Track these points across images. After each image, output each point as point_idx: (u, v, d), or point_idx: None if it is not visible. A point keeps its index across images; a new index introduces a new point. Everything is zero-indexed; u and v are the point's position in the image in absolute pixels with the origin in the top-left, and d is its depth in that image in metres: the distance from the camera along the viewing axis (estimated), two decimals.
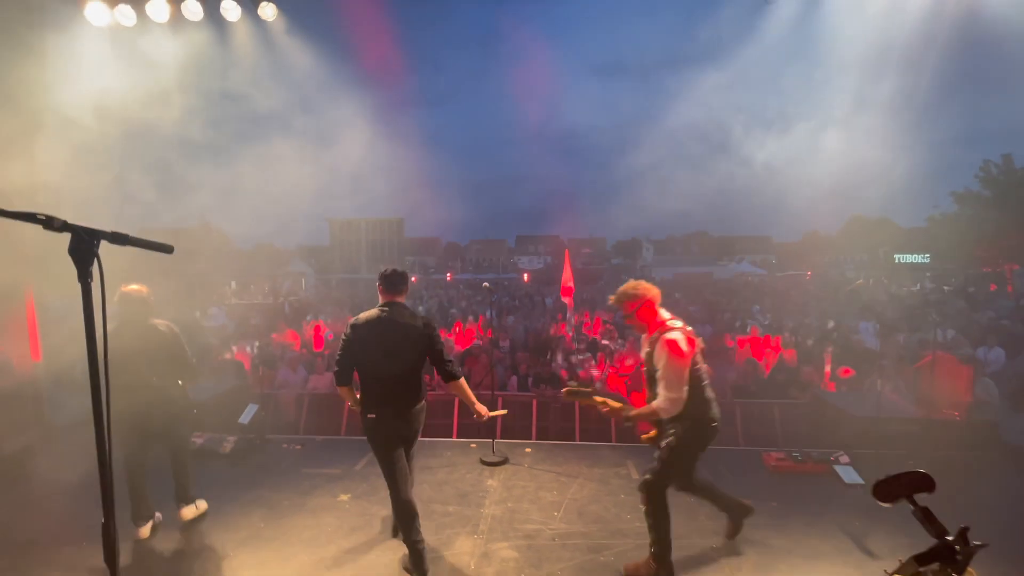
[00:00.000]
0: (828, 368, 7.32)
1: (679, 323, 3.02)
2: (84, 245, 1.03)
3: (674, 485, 3.19)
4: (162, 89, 6.39)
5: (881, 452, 4.74)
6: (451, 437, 5.77)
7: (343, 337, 3.11)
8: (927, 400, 5.29)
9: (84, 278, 1.05)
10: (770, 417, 6.30)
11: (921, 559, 1.17)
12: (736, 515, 3.43)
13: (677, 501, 4.00)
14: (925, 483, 1.46)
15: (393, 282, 3.17)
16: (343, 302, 18.71)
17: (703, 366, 3.05)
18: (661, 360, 2.88)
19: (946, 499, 1.53)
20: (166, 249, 1.17)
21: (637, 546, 3.43)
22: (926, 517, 1.37)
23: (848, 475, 4.35)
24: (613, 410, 3.13)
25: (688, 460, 3.16)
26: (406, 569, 3.10)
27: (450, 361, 3.20)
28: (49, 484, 4.52)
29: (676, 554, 3.29)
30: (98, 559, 3.12)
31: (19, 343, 5.56)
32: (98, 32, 5.93)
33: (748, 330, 11.03)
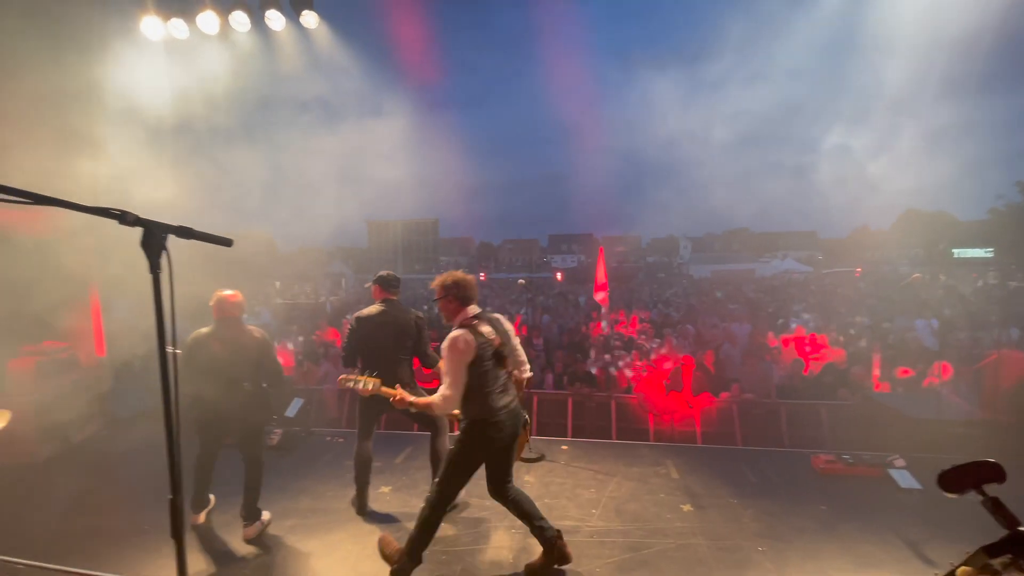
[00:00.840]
0: (877, 369, 6.98)
1: (481, 321, 2.85)
2: (154, 239, 1.10)
3: (490, 490, 3.00)
4: (211, 97, 6.70)
5: (940, 456, 4.47)
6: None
7: (350, 328, 3.74)
8: (991, 402, 4.97)
9: (155, 270, 1.12)
10: (817, 418, 6.06)
11: (991, 550, 1.09)
12: (547, 548, 3.03)
13: (721, 503, 3.93)
14: (994, 473, 1.37)
15: (389, 283, 3.85)
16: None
17: (498, 370, 2.84)
18: (443, 356, 2.77)
19: (1013, 500, 1.43)
20: (225, 242, 1.23)
21: (678, 546, 3.37)
22: (996, 507, 1.29)
23: (904, 479, 4.13)
24: (401, 399, 2.93)
25: (468, 463, 2.91)
26: (352, 504, 3.87)
27: (430, 355, 3.84)
28: (113, 471, 4.82)
29: (723, 558, 3.22)
30: (161, 537, 3.32)
31: (85, 339, 5.94)
32: (154, 46, 6.27)
33: (792, 329, 10.66)
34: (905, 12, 5.82)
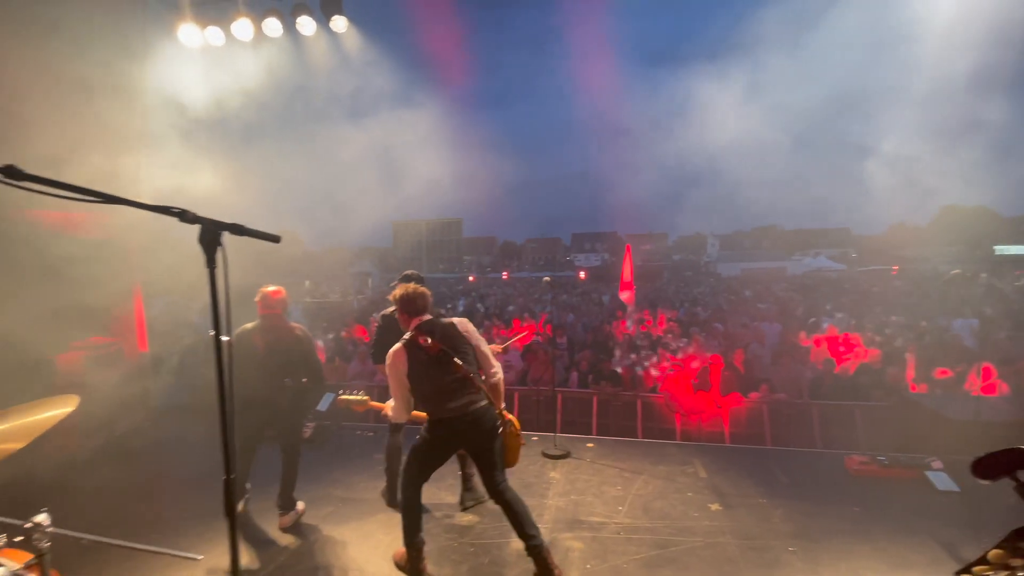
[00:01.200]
0: (911, 370, 6.76)
1: (420, 332, 2.96)
2: (211, 235, 1.18)
3: (486, 489, 3.06)
4: (244, 101, 6.92)
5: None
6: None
7: (376, 326, 3.87)
8: None
9: (211, 264, 1.19)
10: (851, 420, 5.92)
11: (1009, 546, 1.06)
12: (534, 560, 2.99)
13: (750, 503, 3.90)
14: None
15: (413, 282, 3.82)
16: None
17: (443, 374, 2.91)
18: None
19: None
20: (273, 239, 1.30)
21: (707, 544, 3.35)
22: None
23: (942, 482, 4.02)
24: (381, 409, 3.40)
25: (425, 456, 3.02)
26: (382, 494, 4.01)
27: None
28: (156, 461, 5.05)
29: (752, 558, 3.20)
30: (203, 522, 3.47)
31: (129, 335, 6.22)
32: (190, 53, 6.51)
33: (824, 328, 10.40)
34: (943, 1, 5.62)
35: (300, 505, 3.75)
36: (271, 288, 3.58)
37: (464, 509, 3.86)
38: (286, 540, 3.49)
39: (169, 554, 1.43)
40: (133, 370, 6.12)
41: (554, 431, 5.17)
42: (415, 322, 3.02)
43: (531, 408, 6.24)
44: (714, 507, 3.84)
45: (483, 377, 3.05)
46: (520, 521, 2.93)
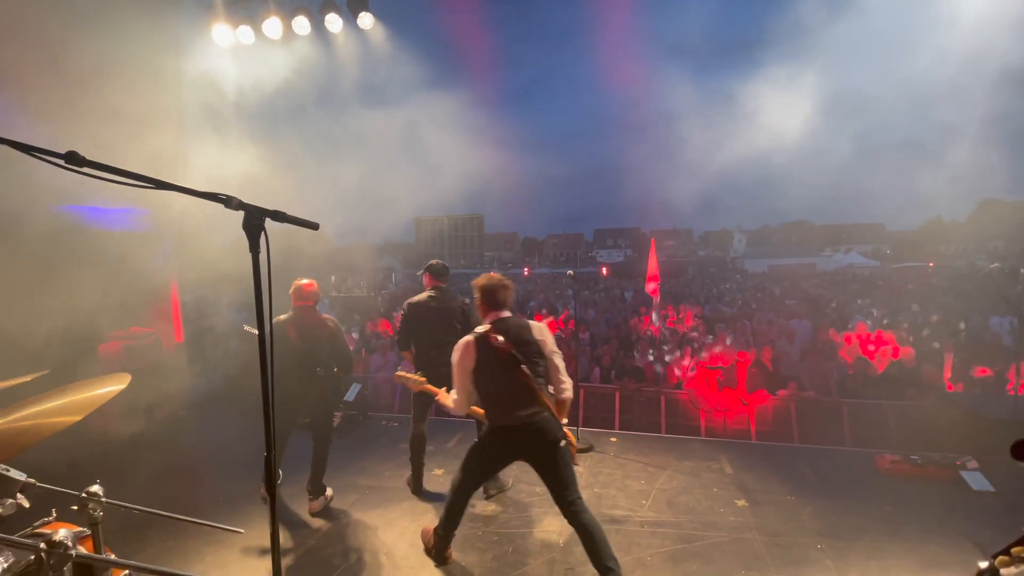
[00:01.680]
0: (948, 369, 6.55)
1: (495, 328, 2.79)
2: (254, 221, 1.23)
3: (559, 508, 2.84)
4: (273, 99, 7.08)
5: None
6: None
7: (403, 314, 4.05)
8: None
9: (254, 249, 1.25)
10: (883, 418, 5.77)
11: None
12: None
13: (777, 500, 3.85)
14: None
15: (438, 271, 4.08)
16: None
17: (510, 379, 2.75)
18: None
19: None
20: (312, 226, 1.35)
21: (733, 540, 3.33)
22: None
23: (977, 482, 3.90)
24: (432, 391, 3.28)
25: (480, 460, 2.95)
26: (407, 484, 4.07)
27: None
28: (192, 446, 5.25)
29: (779, 554, 3.16)
30: (238, 505, 3.60)
31: (166, 325, 6.46)
32: (221, 51, 6.68)
33: (855, 325, 10.14)
34: None
35: (329, 491, 3.85)
36: (304, 281, 3.69)
37: (488, 498, 3.90)
38: (316, 524, 3.60)
39: (212, 526, 1.49)
40: (170, 359, 6.36)
41: (576, 425, 5.19)
42: (492, 316, 2.87)
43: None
44: (740, 503, 3.81)
45: (551, 390, 2.89)
46: (597, 548, 2.64)
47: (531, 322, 2.97)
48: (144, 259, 6.13)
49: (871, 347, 8.04)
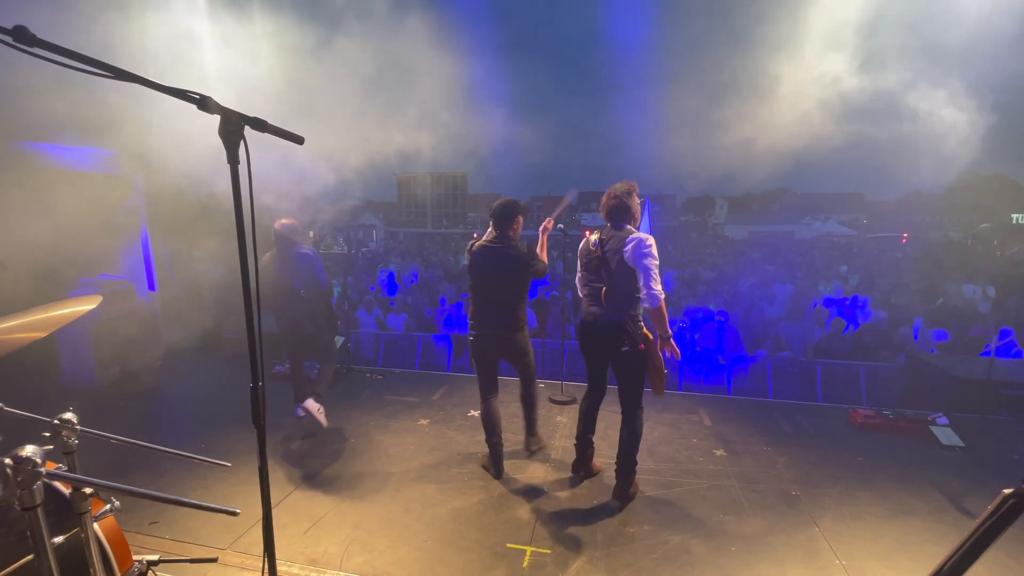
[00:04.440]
0: (920, 333, 6.74)
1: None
2: (232, 127, 1.11)
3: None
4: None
5: (987, 418, 4.37)
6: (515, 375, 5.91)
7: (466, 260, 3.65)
8: None
9: (232, 160, 1.13)
10: (855, 378, 5.96)
11: None
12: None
13: (754, 450, 3.96)
14: None
15: (501, 217, 3.42)
16: (411, 253, 19.32)
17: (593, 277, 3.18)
18: None
19: None
20: (297, 139, 1.23)
21: (711, 486, 3.42)
22: None
23: (946, 437, 4.05)
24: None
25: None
26: (484, 467, 3.63)
27: (539, 271, 3.47)
28: (169, 397, 5.15)
29: (756, 500, 3.26)
30: (227, 445, 3.54)
31: (138, 274, 6.21)
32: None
33: (832, 290, 10.35)
34: None
35: (321, 409, 4.01)
36: (284, 219, 4.01)
37: (531, 454, 3.86)
38: (303, 469, 3.58)
39: (197, 459, 1.43)
40: (143, 308, 6.15)
41: (561, 379, 5.22)
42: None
43: (539, 358, 6.29)
44: (719, 453, 3.91)
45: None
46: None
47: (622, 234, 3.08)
48: (112, 202, 5.83)
49: (848, 310, 8.23)
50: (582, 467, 3.52)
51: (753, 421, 4.50)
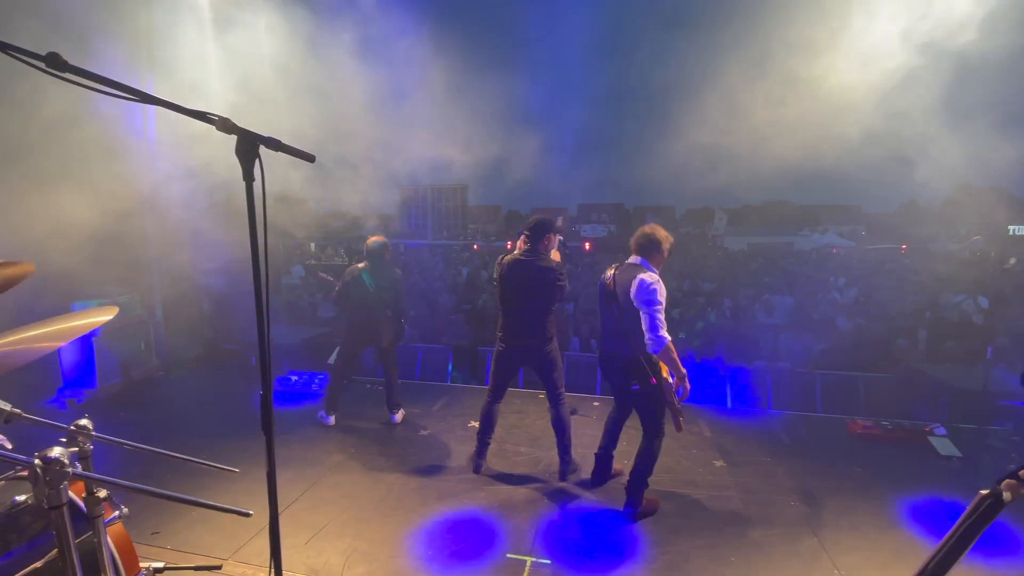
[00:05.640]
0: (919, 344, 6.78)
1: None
2: (247, 146, 1.17)
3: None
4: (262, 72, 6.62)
5: (984, 428, 4.39)
6: (518, 387, 5.93)
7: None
8: None
9: (248, 177, 1.18)
10: (854, 389, 5.98)
11: None
12: None
13: (754, 461, 3.98)
14: None
15: (536, 231, 3.51)
16: (410, 265, 19.42)
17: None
18: None
19: None
20: (309, 157, 1.29)
21: (710, 496, 3.44)
22: None
23: (944, 447, 4.08)
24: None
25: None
26: (469, 458, 3.81)
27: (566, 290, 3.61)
28: (171, 405, 5.17)
29: (755, 510, 3.28)
30: (231, 452, 3.57)
31: (142, 286, 6.25)
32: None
33: (831, 301, 10.39)
34: None
35: (402, 412, 4.66)
36: (376, 237, 4.46)
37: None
38: (309, 473, 3.59)
39: (207, 464, 1.46)
40: (147, 319, 6.19)
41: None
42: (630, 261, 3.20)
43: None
44: (718, 463, 3.93)
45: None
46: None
47: (633, 273, 3.10)
48: (118, 215, 5.89)
49: (845, 321, 8.27)
50: (601, 477, 3.54)
51: (753, 432, 4.52)
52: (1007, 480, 0.84)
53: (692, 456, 4.04)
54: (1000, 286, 10.12)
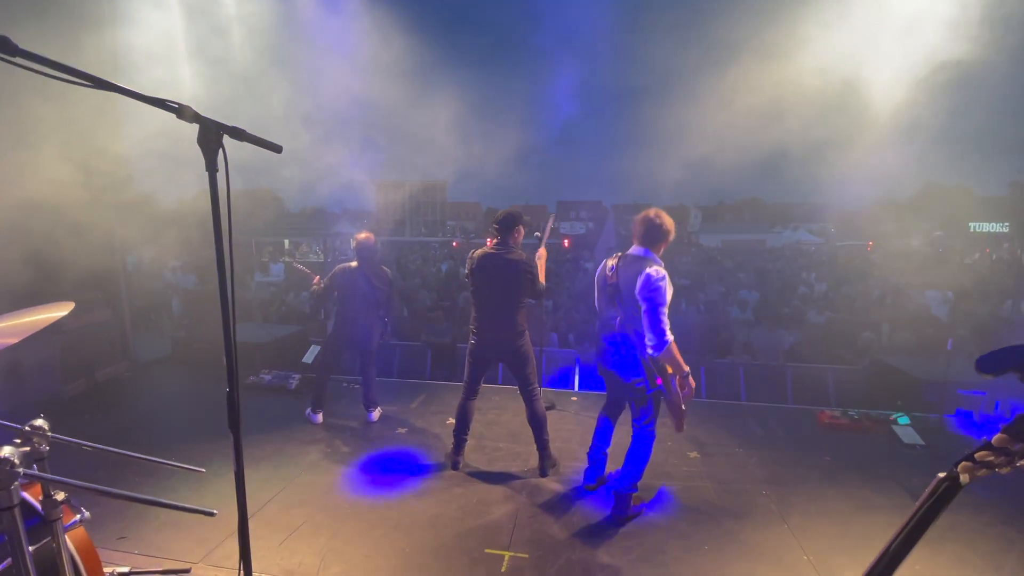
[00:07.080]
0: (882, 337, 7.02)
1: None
2: (211, 136, 1.13)
3: None
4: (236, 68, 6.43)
5: (945, 417, 4.57)
6: (497, 383, 5.93)
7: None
8: None
9: (211, 168, 1.14)
10: (823, 381, 6.15)
11: (1013, 431, 0.90)
12: None
13: (726, 452, 4.06)
14: None
15: (504, 225, 3.58)
16: (389, 262, 19.23)
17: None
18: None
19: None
20: (276, 148, 1.25)
21: (685, 487, 3.50)
22: None
23: (907, 435, 4.23)
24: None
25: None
26: (446, 455, 3.81)
27: (540, 291, 3.59)
28: (137, 408, 5.01)
29: (728, 500, 3.35)
30: (199, 453, 3.48)
31: (110, 286, 6.02)
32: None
33: (801, 295, 10.67)
34: None
35: (379, 410, 4.57)
36: (363, 234, 4.37)
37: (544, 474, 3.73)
38: (279, 474, 3.52)
39: (170, 464, 1.42)
40: (113, 320, 5.98)
41: (540, 384, 5.25)
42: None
43: None
44: (692, 455, 4.00)
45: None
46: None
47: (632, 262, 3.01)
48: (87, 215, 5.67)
49: (815, 315, 8.50)
50: (593, 478, 3.47)
51: (725, 424, 4.62)
52: (963, 462, 0.87)
53: (667, 448, 4.09)
54: (960, 280, 10.55)
